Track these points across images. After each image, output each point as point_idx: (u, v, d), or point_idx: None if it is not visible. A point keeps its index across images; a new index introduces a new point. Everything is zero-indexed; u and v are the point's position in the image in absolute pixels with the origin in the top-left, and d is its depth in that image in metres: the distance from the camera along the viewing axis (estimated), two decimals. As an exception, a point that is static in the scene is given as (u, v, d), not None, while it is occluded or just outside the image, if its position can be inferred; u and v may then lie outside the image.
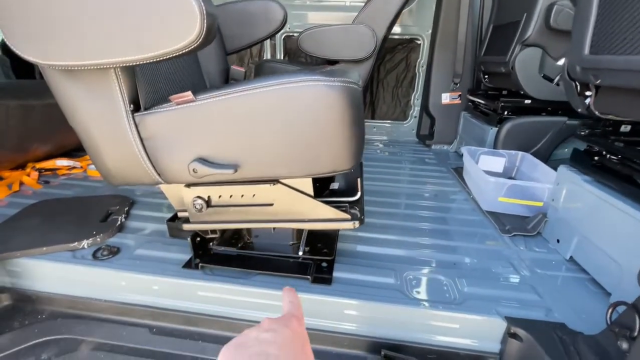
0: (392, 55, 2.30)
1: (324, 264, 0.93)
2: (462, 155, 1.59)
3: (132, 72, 0.66)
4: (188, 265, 0.93)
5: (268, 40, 2.28)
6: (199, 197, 0.80)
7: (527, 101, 1.65)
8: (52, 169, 1.63)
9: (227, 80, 1.26)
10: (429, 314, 0.79)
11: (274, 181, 0.76)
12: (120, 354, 0.79)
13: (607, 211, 0.86)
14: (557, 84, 1.53)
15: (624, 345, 0.58)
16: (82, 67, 0.56)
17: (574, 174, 1.00)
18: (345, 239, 1.07)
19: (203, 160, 0.70)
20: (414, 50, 2.26)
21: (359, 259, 0.98)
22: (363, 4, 1.52)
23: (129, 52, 0.53)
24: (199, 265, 0.91)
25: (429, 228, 1.18)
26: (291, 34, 2.25)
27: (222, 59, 1.23)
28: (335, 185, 1.00)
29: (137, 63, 0.55)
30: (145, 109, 0.68)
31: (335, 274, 0.90)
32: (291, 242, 0.98)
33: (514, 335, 0.73)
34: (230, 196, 0.80)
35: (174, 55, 0.53)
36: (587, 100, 0.91)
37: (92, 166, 1.64)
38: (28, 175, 1.51)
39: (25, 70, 2.10)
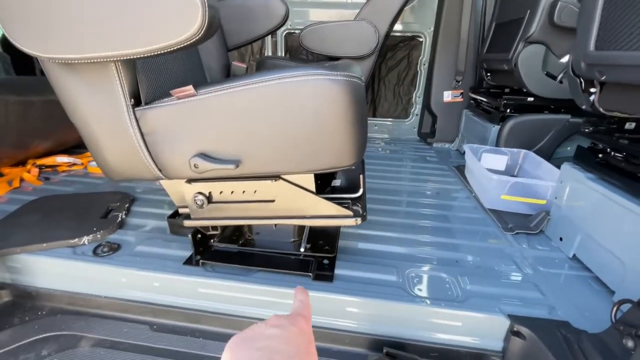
0: (393, 52, 2.29)
1: (326, 261, 0.92)
2: (464, 153, 1.58)
3: (132, 67, 0.65)
4: (189, 262, 0.92)
5: (269, 37, 2.27)
6: (200, 193, 0.79)
7: (530, 99, 1.64)
8: (52, 165, 1.62)
9: (228, 76, 1.25)
10: (431, 312, 0.79)
11: (276, 177, 0.75)
12: (121, 351, 0.78)
13: (611, 209, 0.85)
14: (561, 82, 1.52)
15: (630, 344, 0.57)
16: (82, 60, 0.55)
17: (577, 172, 0.99)
18: (347, 237, 1.06)
19: (204, 156, 0.69)
20: (415, 48, 2.25)
21: (361, 256, 0.98)
22: (365, 1, 1.51)
23: (130, 45, 0.53)
24: (200, 262, 0.90)
25: (430, 226, 1.17)
26: (292, 31, 2.24)
27: (223, 55, 1.22)
28: (337, 182, 0.99)
29: (138, 56, 0.54)
30: (146, 104, 0.67)
31: (337, 271, 0.90)
32: (292, 239, 0.97)
33: (517, 333, 0.73)
34: (232, 192, 0.79)
35: (176, 48, 0.52)
36: (592, 97, 0.90)
37: (93, 163, 1.64)
38: (28, 171, 1.51)
39: (26, 67, 2.09)
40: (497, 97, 1.74)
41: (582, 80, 0.91)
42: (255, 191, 0.78)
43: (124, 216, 1.14)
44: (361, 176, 0.94)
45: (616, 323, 0.62)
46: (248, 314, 0.86)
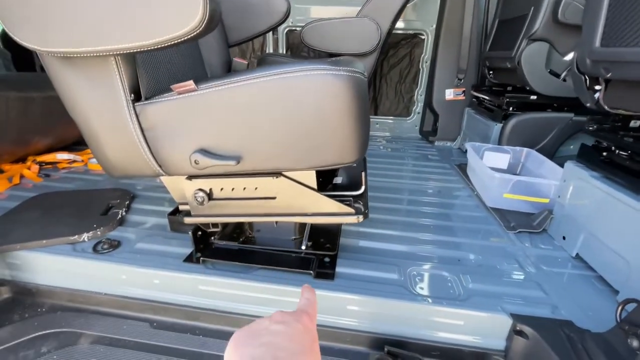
0: (395, 50, 2.27)
1: (327, 259, 0.92)
2: (466, 151, 1.57)
3: (132, 61, 0.64)
4: (189, 259, 0.92)
5: (270, 35, 2.25)
6: (200, 189, 0.79)
7: (533, 97, 1.63)
8: (52, 162, 1.62)
9: (229, 72, 1.24)
10: (432, 310, 0.78)
11: (277, 174, 0.75)
12: (120, 348, 0.78)
13: (615, 207, 0.84)
14: (564, 80, 1.51)
15: (635, 343, 0.57)
16: (82, 54, 0.55)
17: (581, 170, 0.98)
18: (348, 234, 1.06)
19: (205, 152, 0.68)
20: (417, 46, 2.23)
21: (362, 254, 0.97)
22: (367, -3, 1.49)
23: (130, 38, 0.52)
24: (200, 259, 0.90)
25: (432, 224, 1.16)
26: (294, 28, 2.23)
27: (224, 51, 1.21)
28: (338, 180, 0.99)
29: (138, 50, 0.53)
30: (146, 99, 0.66)
31: (338, 269, 0.89)
32: (293, 237, 0.97)
33: (520, 333, 0.72)
34: (232, 189, 0.78)
35: (177, 42, 0.52)
36: (597, 95, 0.89)
37: (93, 160, 1.63)
38: (28, 168, 1.51)
39: (26, 63, 2.09)
40: (500, 95, 1.73)
41: (587, 77, 0.90)
42: (256, 188, 0.78)
43: (124, 213, 1.14)
44: (363, 174, 0.94)
45: (621, 322, 0.62)
46: (248, 311, 0.85)
